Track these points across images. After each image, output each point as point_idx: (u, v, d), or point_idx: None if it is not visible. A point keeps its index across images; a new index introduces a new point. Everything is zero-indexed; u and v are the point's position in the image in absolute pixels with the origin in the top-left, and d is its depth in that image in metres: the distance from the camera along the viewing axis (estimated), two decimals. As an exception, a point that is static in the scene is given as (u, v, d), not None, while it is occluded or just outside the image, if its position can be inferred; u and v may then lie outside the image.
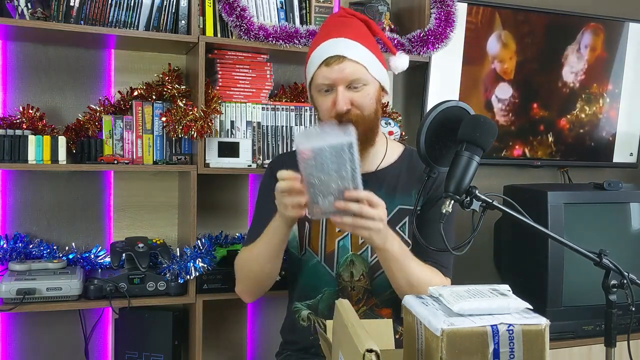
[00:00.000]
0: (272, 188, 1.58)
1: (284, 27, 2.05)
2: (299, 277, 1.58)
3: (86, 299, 1.86)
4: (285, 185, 1.27)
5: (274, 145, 2.17)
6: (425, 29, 2.24)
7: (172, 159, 2.06)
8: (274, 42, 2.04)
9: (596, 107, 2.74)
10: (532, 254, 2.20)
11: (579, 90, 2.70)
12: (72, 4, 1.87)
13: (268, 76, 2.16)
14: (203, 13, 2.02)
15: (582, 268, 1.49)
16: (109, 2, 1.91)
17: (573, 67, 2.67)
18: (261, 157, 2.14)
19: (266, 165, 1.92)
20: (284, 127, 2.18)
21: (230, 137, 2.10)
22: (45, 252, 1.99)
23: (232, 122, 2.11)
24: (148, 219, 2.20)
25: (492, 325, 0.81)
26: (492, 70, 2.54)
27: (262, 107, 2.15)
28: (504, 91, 2.58)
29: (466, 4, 2.44)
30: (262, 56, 2.16)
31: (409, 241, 1.50)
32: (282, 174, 1.27)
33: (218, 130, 2.07)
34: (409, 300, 0.94)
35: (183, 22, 2.00)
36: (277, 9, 2.14)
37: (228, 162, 2.05)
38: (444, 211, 1.16)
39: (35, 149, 1.84)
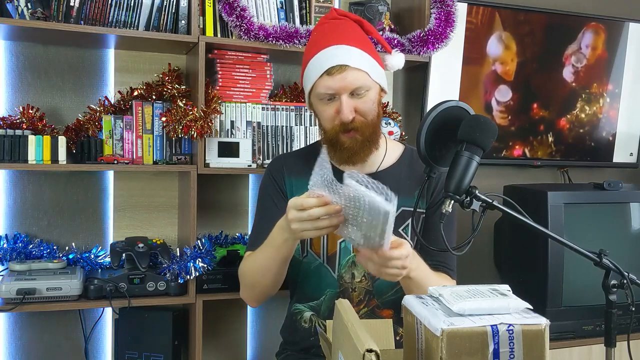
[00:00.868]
0: (272, 191, 1.58)
1: (284, 27, 2.05)
2: (301, 279, 1.58)
3: (86, 299, 1.86)
4: (323, 211, 1.16)
5: (274, 145, 2.17)
6: (425, 29, 2.24)
7: (172, 159, 2.06)
8: (274, 42, 2.04)
9: (596, 107, 2.74)
10: (532, 254, 2.19)
11: (579, 90, 2.70)
12: (72, 4, 1.87)
13: (268, 76, 2.16)
14: (203, 13, 2.02)
15: (582, 268, 1.49)
16: (109, 2, 1.91)
17: (573, 67, 2.67)
18: (261, 157, 2.14)
19: (266, 166, 1.91)
20: (284, 127, 2.18)
21: (230, 137, 2.10)
22: (45, 252, 1.99)
23: (232, 122, 2.11)
24: (148, 219, 2.20)
25: (492, 325, 0.81)
26: (493, 72, 2.54)
27: (262, 107, 2.15)
28: (504, 92, 2.58)
29: (466, 4, 2.44)
30: (262, 56, 2.16)
31: (411, 243, 1.50)
32: (309, 202, 1.16)
33: (218, 130, 2.07)
34: (408, 300, 0.94)
35: (183, 22, 2.00)
36: (277, 9, 2.14)
37: (228, 162, 2.05)
38: (443, 211, 1.16)
39: (35, 149, 1.84)
